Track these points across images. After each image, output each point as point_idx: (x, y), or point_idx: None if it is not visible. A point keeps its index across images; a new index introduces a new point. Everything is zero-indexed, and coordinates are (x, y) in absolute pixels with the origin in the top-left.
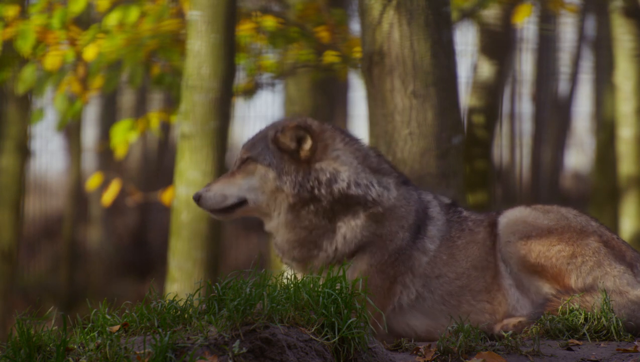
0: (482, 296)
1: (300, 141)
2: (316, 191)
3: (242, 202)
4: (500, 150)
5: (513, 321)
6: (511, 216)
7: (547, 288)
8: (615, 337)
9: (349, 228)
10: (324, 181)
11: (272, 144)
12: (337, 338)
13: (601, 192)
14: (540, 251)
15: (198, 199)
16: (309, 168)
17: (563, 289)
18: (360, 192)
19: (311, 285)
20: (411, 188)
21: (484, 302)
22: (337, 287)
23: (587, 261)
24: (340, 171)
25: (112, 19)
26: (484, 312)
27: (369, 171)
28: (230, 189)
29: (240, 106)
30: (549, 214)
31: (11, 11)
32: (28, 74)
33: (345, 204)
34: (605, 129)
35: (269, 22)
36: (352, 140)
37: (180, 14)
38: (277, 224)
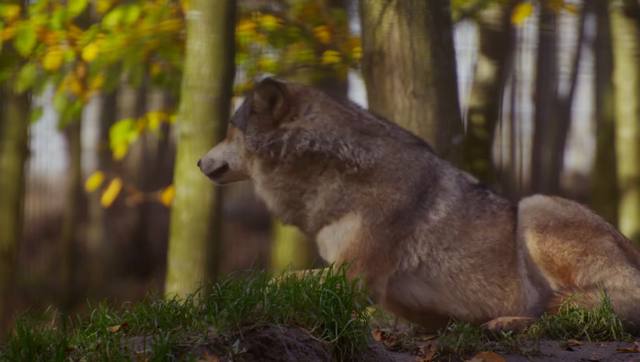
0: (495, 279)
1: (273, 100)
2: (276, 151)
3: (225, 166)
4: (500, 150)
5: (508, 319)
6: (530, 203)
7: (552, 282)
8: (615, 337)
9: (327, 188)
10: (285, 140)
11: (248, 107)
12: (337, 338)
13: (601, 192)
14: (554, 241)
15: (199, 163)
16: (275, 128)
17: (566, 286)
18: (328, 149)
19: (311, 285)
20: (422, 154)
21: (496, 285)
22: (337, 287)
23: (597, 259)
24: (305, 130)
25: (112, 19)
26: (493, 295)
27: (350, 132)
28: (217, 153)
29: None
30: (567, 207)
31: (11, 11)
32: (28, 73)
33: (314, 162)
34: (605, 129)
35: (269, 22)
36: (336, 103)
37: (180, 14)
38: (258, 187)
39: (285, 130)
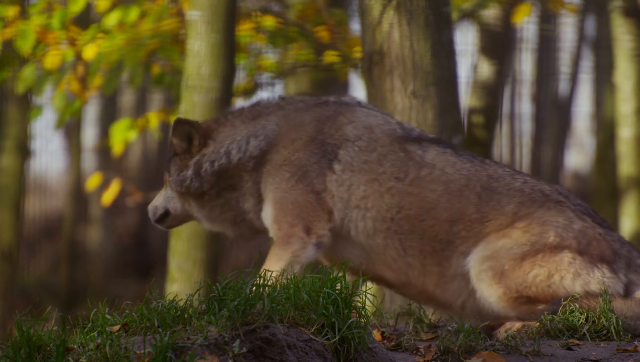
0: (416, 253)
1: (190, 139)
2: (196, 183)
3: (167, 212)
4: (500, 150)
5: (517, 324)
6: (481, 254)
7: (541, 306)
8: (615, 337)
9: (247, 186)
10: (195, 171)
11: (172, 149)
12: (337, 338)
13: (601, 192)
14: (517, 283)
15: (147, 211)
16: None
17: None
18: (224, 161)
19: (311, 285)
20: (321, 108)
21: (416, 260)
22: (337, 287)
23: (565, 275)
24: (206, 153)
25: (112, 19)
26: (413, 268)
27: (243, 130)
28: (159, 199)
29: None
30: (527, 235)
31: (11, 11)
32: (28, 73)
33: (228, 175)
34: (605, 129)
35: (269, 22)
36: (244, 110)
37: (180, 14)
38: (206, 224)
39: (195, 164)
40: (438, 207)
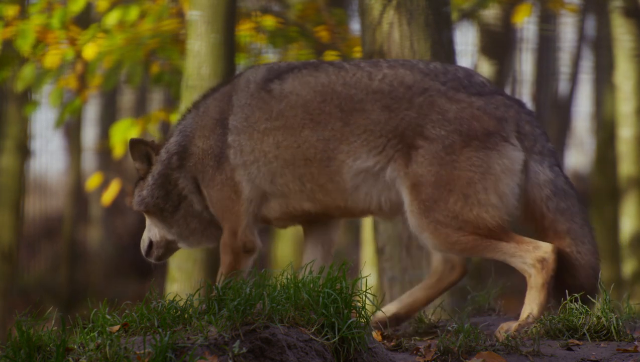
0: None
1: (149, 159)
2: (156, 200)
3: (150, 243)
4: None
5: (513, 325)
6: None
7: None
8: (615, 337)
9: (191, 187)
10: (145, 191)
11: (137, 173)
12: (337, 338)
13: (601, 192)
14: (448, 229)
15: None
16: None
17: (500, 232)
18: (161, 168)
19: (311, 285)
20: (225, 89)
21: (318, 192)
22: (337, 287)
23: (477, 190)
24: (155, 165)
25: (112, 18)
26: (303, 193)
27: (174, 134)
28: (144, 233)
29: None
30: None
31: (11, 11)
32: (27, 72)
33: (172, 180)
34: (605, 129)
35: (269, 22)
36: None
37: (180, 14)
38: (184, 244)
39: (149, 177)
40: (305, 130)
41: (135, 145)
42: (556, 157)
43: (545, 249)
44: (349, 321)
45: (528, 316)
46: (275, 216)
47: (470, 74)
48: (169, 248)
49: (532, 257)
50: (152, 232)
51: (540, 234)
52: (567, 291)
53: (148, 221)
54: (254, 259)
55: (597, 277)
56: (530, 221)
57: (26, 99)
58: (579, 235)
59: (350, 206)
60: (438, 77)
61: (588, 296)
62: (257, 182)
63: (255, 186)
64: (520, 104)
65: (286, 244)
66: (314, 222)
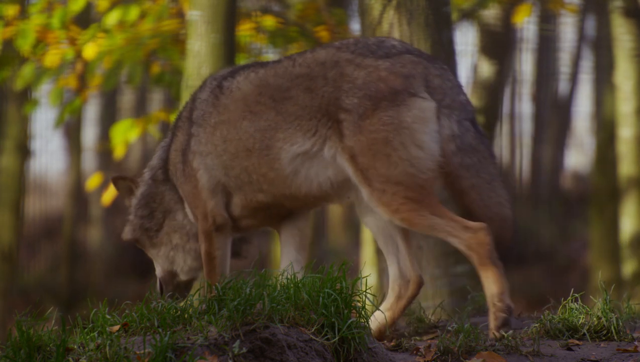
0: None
1: (133, 191)
2: (137, 222)
3: (159, 281)
4: (500, 150)
5: (491, 320)
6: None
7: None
8: (615, 337)
9: (172, 204)
10: (132, 217)
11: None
12: (337, 338)
13: (601, 192)
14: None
15: None
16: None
17: (431, 198)
18: (146, 177)
19: (311, 285)
20: (202, 89)
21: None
22: (337, 287)
23: (394, 147)
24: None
25: (112, 18)
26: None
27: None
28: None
29: None
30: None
31: (11, 10)
32: (27, 71)
33: (156, 197)
34: (605, 129)
35: (269, 22)
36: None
37: (180, 14)
38: (183, 275)
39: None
40: (245, 122)
41: (117, 182)
42: (468, 111)
43: (474, 228)
44: (349, 321)
45: (493, 298)
46: (241, 213)
47: (381, 40)
48: (178, 282)
49: (466, 238)
50: (156, 269)
51: (448, 191)
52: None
53: (149, 256)
54: (232, 242)
55: (510, 225)
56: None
57: (26, 99)
58: (484, 190)
59: (294, 192)
60: (349, 48)
61: (509, 247)
62: (214, 173)
63: (214, 177)
64: (429, 59)
65: None
66: (282, 222)
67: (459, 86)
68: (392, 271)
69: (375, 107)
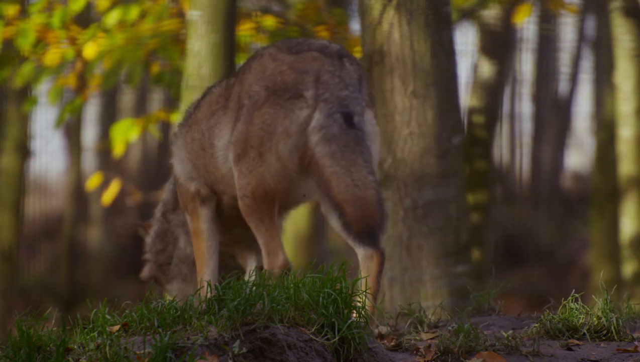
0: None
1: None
2: (156, 259)
3: None
4: (500, 150)
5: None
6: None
7: None
8: (615, 337)
9: (173, 218)
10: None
11: None
12: (337, 338)
13: (601, 192)
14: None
15: None
16: None
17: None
18: (159, 222)
19: (311, 285)
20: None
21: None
22: (337, 287)
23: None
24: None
25: (112, 18)
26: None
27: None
28: None
29: None
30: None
31: (11, 10)
32: (27, 69)
33: (165, 236)
34: (605, 129)
35: (269, 22)
36: None
37: (180, 14)
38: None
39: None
40: (204, 121)
41: (139, 229)
42: (343, 105)
43: (277, 262)
44: (349, 321)
45: None
46: (226, 211)
47: (308, 39)
48: None
49: (268, 264)
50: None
51: (314, 180)
52: (355, 231)
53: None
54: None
55: (370, 205)
56: (305, 169)
57: (26, 99)
58: (342, 175)
59: (232, 191)
60: (280, 44)
61: (375, 231)
62: (196, 168)
63: (196, 170)
64: (333, 56)
65: (286, 243)
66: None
67: (347, 82)
68: (358, 252)
69: (266, 99)
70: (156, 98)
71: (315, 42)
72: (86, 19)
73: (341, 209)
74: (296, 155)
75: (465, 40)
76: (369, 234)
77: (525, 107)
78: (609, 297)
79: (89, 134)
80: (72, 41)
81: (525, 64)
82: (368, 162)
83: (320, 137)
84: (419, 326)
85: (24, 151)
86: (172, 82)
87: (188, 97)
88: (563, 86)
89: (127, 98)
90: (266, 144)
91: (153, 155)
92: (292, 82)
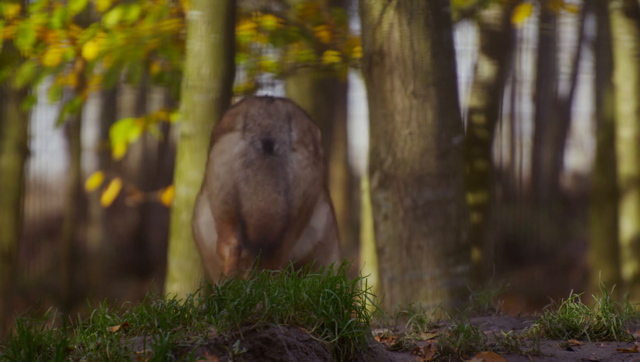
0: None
1: None
2: None
3: None
4: (500, 150)
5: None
6: None
7: None
8: (615, 337)
9: None
10: None
11: None
12: (337, 338)
13: (601, 192)
14: None
15: None
16: None
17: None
18: None
19: (311, 285)
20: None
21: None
22: (337, 287)
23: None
24: None
25: (112, 18)
26: None
27: None
28: None
29: None
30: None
31: (11, 10)
32: (27, 69)
33: None
34: (605, 129)
35: (269, 22)
36: None
37: (180, 14)
38: None
39: None
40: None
41: None
42: (267, 132)
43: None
44: (349, 321)
45: None
46: None
47: (264, 95)
48: None
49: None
50: None
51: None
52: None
53: None
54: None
55: (272, 217)
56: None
57: (26, 98)
58: (250, 195)
59: None
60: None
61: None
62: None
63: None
64: (265, 98)
65: None
66: None
67: (271, 113)
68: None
69: (213, 140)
70: (156, 98)
71: (266, 95)
72: (86, 19)
73: (244, 222)
74: (231, 183)
75: (465, 40)
76: (263, 244)
77: (525, 107)
78: (609, 297)
79: (89, 134)
80: (72, 41)
81: (525, 64)
82: (280, 185)
83: (241, 163)
84: (419, 326)
85: (24, 151)
86: (172, 82)
87: (188, 97)
88: (563, 86)
89: (127, 98)
90: (207, 174)
91: (153, 156)
92: (226, 125)
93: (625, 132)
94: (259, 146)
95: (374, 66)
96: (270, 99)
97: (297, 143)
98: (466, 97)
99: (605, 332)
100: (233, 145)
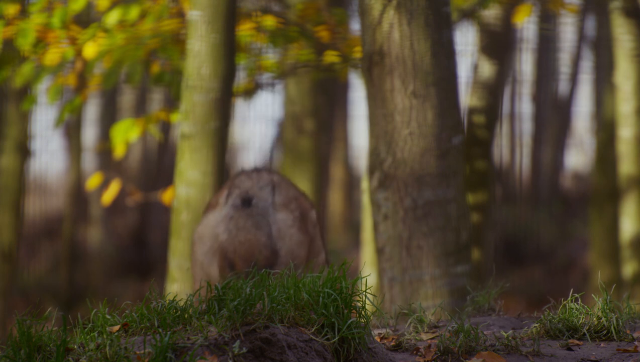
0: None
1: None
2: None
3: None
4: (500, 150)
5: None
6: None
7: None
8: (615, 337)
9: None
10: None
11: None
12: (337, 338)
13: (601, 192)
14: None
15: None
16: None
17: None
18: None
19: (311, 285)
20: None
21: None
22: (337, 287)
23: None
24: None
25: (112, 18)
26: None
27: None
28: None
29: (240, 106)
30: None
31: (11, 9)
32: (27, 69)
33: None
34: (605, 129)
35: (269, 22)
36: None
37: (180, 14)
38: None
39: None
40: None
41: None
42: (245, 191)
43: None
44: (349, 321)
45: None
46: None
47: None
48: None
49: None
50: None
51: None
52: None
53: None
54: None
55: (257, 244)
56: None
57: (25, 98)
58: (232, 238)
59: None
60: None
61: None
62: None
63: None
64: (253, 170)
65: None
66: None
67: (254, 179)
68: None
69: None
70: (156, 98)
71: (262, 168)
72: (86, 19)
73: (231, 260)
74: (208, 258)
75: (465, 40)
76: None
77: (525, 107)
78: (609, 297)
79: (89, 134)
80: (72, 41)
81: (525, 64)
82: (262, 227)
83: (224, 225)
84: (419, 326)
85: (24, 151)
86: (172, 82)
87: (188, 97)
88: (563, 86)
89: (127, 98)
90: (193, 255)
91: (153, 156)
92: (214, 199)
93: (625, 132)
94: (237, 203)
95: (374, 66)
96: (258, 170)
97: (280, 205)
98: (466, 97)
99: (605, 332)
100: (216, 215)
